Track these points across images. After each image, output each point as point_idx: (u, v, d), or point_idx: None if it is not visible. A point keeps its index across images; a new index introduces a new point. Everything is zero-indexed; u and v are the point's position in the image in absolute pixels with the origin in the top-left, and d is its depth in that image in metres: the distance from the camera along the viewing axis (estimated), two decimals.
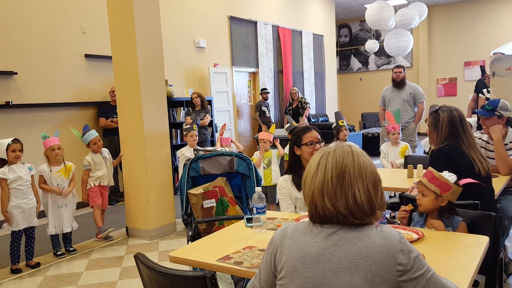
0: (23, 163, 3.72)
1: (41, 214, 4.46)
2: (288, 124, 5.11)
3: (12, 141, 3.61)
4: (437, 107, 2.72)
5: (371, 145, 8.61)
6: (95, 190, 4.39)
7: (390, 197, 4.70)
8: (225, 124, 5.67)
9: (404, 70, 5.99)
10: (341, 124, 4.67)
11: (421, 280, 1.20)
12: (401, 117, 5.37)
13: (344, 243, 1.22)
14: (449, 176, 2.11)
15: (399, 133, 4.54)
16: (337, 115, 4.89)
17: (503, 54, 5.58)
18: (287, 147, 4.85)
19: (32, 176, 3.76)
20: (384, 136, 6.14)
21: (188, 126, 5.07)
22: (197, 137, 5.07)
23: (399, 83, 5.96)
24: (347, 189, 1.24)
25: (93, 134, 4.37)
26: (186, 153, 4.86)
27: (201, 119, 6.74)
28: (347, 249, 1.20)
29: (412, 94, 5.93)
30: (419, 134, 7.07)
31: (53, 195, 3.94)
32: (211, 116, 7.20)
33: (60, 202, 3.98)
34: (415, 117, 6.04)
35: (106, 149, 4.60)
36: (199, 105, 6.84)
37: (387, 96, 6.09)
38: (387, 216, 4.25)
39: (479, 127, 3.74)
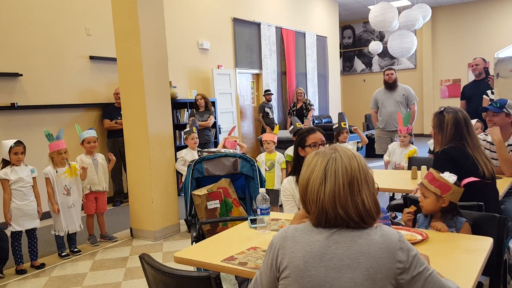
0: (26, 165, 3.75)
1: (45, 216, 4.49)
2: (292, 126, 5.10)
3: (14, 143, 3.63)
4: (442, 108, 2.73)
5: (375, 147, 8.57)
6: (88, 197, 4.33)
7: (392, 198, 4.69)
8: (234, 126, 5.64)
9: (395, 72, 6.05)
10: (343, 126, 4.62)
11: (419, 278, 1.21)
12: (396, 118, 5.39)
13: (345, 241, 1.23)
14: (449, 177, 2.10)
15: (405, 136, 4.50)
16: (340, 116, 4.85)
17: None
18: (291, 148, 4.86)
19: (34, 178, 3.78)
20: (380, 139, 6.18)
21: (188, 129, 5.04)
22: (198, 139, 5.04)
23: (391, 85, 6.01)
24: (356, 195, 1.26)
25: (90, 133, 4.32)
26: (186, 156, 4.79)
27: (204, 120, 6.75)
28: (348, 247, 1.22)
29: (405, 95, 5.99)
30: (415, 135, 7.09)
31: (60, 197, 3.95)
32: (215, 117, 7.22)
33: (69, 203, 4.00)
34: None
35: (102, 155, 4.52)
36: (203, 107, 6.85)
37: (380, 98, 6.13)
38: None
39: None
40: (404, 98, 5.98)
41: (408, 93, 6.02)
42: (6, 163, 3.67)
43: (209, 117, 6.83)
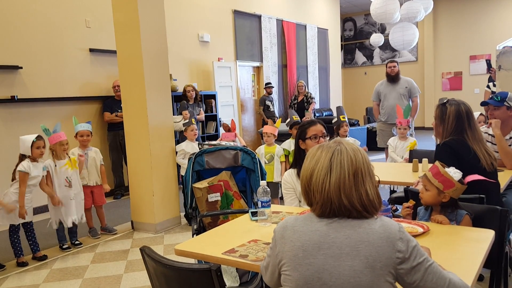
0: (42, 162, 3.77)
1: (46, 209, 4.50)
2: (289, 119, 5.08)
3: (36, 138, 3.65)
4: (445, 100, 2.71)
5: (376, 140, 8.57)
6: (83, 190, 4.24)
7: (392, 191, 4.68)
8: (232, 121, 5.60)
9: (397, 65, 6.03)
10: (342, 119, 4.60)
11: (419, 269, 1.22)
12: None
13: (345, 230, 1.25)
14: (454, 173, 2.07)
15: (405, 128, 4.50)
16: (339, 109, 4.84)
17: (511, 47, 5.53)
18: (286, 142, 4.84)
19: (45, 174, 3.81)
20: (382, 132, 6.16)
21: (187, 120, 5.03)
22: (197, 131, 5.03)
23: (394, 78, 6.00)
24: (360, 186, 1.28)
25: (84, 126, 4.26)
26: (187, 148, 4.78)
27: (197, 114, 6.60)
28: (348, 235, 1.24)
29: (408, 88, 5.97)
30: (415, 128, 7.09)
31: (62, 189, 3.92)
32: (216, 110, 7.17)
33: (71, 195, 3.97)
34: (411, 110, 6.04)
35: (96, 149, 4.44)
36: (193, 99, 6.60)
37: (382, 91, 6.11)
38: None
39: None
40: (407, 90, 5.97)
41: (411, 85, 5.99)
42: (22, 158, 3.66)
43: (200, 110, 6.73)
